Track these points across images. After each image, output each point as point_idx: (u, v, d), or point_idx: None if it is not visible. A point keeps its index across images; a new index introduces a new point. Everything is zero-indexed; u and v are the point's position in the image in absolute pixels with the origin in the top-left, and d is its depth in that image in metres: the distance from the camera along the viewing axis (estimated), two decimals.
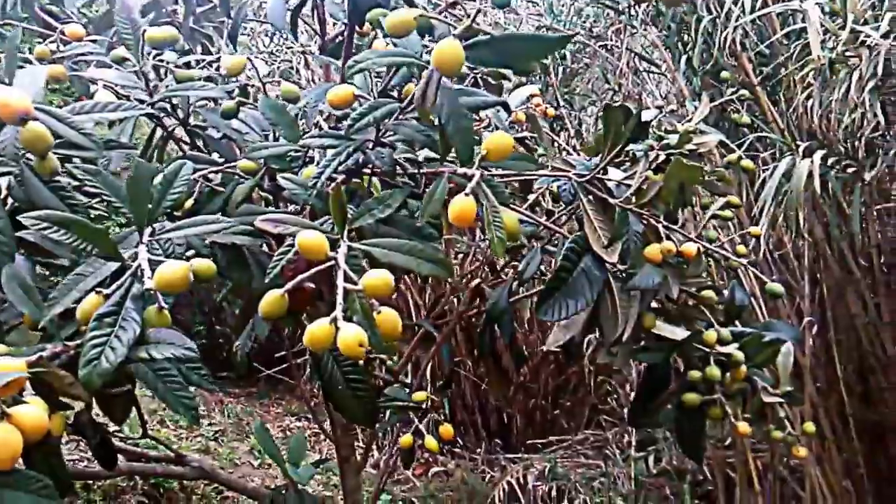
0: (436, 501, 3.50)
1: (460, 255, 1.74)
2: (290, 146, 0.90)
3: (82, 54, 1.20)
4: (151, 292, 0.67)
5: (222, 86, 0.98)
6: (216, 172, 0.95)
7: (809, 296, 2.39)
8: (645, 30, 2.41)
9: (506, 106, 0.89)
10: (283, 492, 1.54)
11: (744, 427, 1.19)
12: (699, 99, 2.30)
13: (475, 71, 1.76)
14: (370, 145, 0.78)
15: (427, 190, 0.71)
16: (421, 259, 0.69)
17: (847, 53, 1.74)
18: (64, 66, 1.18)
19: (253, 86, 1.01)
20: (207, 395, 3.89)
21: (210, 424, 3.40)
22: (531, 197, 1.41)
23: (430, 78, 0.67)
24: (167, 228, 0.77)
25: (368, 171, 0.82)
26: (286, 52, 3.19)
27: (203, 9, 1.73)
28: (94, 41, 1.24)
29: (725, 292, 1.30)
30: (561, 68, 3.03)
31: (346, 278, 0.65)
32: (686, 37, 2.43)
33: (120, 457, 1.60)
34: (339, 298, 0.64)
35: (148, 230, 0.78)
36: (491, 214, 0.65)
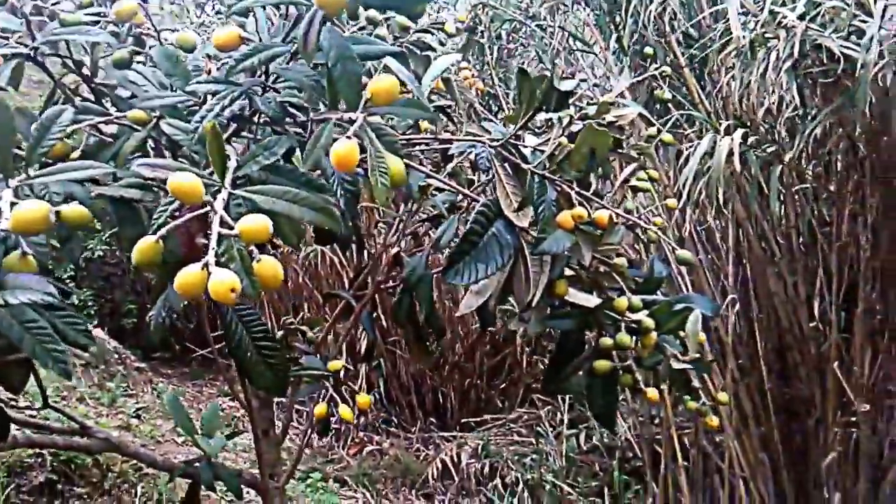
0: (369, 480, 3.49)
1: (384, 226, 1.72)
2: (182, 96, 0.86)
3: None
4: (11, 235, 0.63)
5: (111, 30, 0.93)
6: (106, 123, 0.90)
7: (733, 274, 2.45)
8: (577, 9, 2.41)
9: (402, 56, 0.87)
10: (196, 464, 1.50)
11: (652, 393, 1.21)
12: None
13: (400, 40, 1.73)
14: (260, 91, 0.75)
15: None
16: (305, 207, 0.66)
17: (766, 35, 1.77)
18: None
19: (148, 34, 0.96)
20: (136, 374, 3.79)
21: (135, 402, 3.32)
22: (450, 165, 1.40)
23: (312, 18, 0.64)
24: (40, 173, 0.72)
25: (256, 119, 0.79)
26: (218, 24, 3.09)
27: None
28: None
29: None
30: (496, 48, 3.02)
31: (222, 223, 0.62)
32: (617, 17, 2.45)
33: (26, 430, 1.53)
34: (213, 244, 0.61)
35: (21, 176, 0.73)
36: (375, 159, 0.63)
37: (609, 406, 1.25)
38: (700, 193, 2.03)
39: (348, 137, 0.61)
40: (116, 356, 3.71)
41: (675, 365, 1.19)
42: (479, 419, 3.86)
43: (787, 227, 2.31)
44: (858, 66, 1.61)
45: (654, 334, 1.18)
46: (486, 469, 3.45)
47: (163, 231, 0.65)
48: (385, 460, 3.65)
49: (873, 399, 2.09)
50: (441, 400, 3.97)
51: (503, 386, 4.05)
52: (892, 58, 1.60)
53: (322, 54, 0.67)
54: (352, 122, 0.65)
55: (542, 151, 1.18)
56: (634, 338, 1.19)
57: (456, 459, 3.50)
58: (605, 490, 3.26)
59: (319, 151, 0.68)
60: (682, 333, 1.24)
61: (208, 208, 0.64)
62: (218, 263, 0.62)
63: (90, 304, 4.47)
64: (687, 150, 1.96)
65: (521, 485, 3.31)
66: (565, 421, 3.61)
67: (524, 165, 1.15)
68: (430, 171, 1.46)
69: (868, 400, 2.07)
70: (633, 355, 1.21)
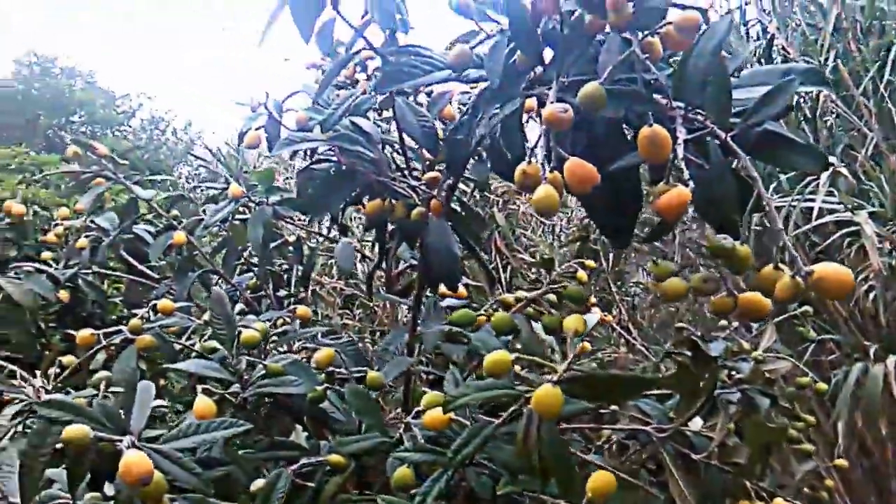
0: None
1: None
2: (380, 438, 0.91)
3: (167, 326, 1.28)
4: None
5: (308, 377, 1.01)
6: (303, 468, 0.96)
7: None
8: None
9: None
10: None
11: None
12: None
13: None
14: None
15: None
16: None
17: None
18: (152, 336, 1.25)
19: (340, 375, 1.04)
20: None
21: None
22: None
23: (529, 421, 0.68)
24: None
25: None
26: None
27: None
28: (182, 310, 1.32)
29: None
30: (611, 254, 3.10)
31: None
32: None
33: None
34: None
35: None
36: None
37: None
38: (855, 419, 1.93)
39: None
40: None
41: None
42: None
43: None
44: None
45: None
46: None
47: None
48: None
49: None
50: None
51: None
52: None
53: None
54: None
55: (708, 437, 1.17)
56: None
57: None
58: None
59: None
60: None
61: None
62: None
63: None
64: (834, 376, 1.89)
65: None
66: None
67: (694, 456, 1.13)
68: None
69: None
70: None
